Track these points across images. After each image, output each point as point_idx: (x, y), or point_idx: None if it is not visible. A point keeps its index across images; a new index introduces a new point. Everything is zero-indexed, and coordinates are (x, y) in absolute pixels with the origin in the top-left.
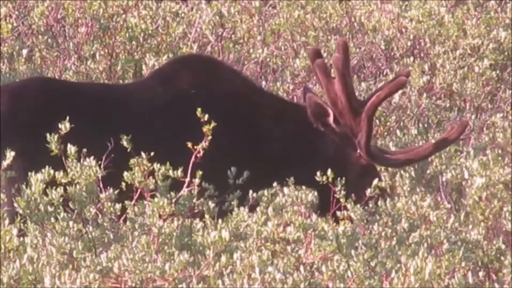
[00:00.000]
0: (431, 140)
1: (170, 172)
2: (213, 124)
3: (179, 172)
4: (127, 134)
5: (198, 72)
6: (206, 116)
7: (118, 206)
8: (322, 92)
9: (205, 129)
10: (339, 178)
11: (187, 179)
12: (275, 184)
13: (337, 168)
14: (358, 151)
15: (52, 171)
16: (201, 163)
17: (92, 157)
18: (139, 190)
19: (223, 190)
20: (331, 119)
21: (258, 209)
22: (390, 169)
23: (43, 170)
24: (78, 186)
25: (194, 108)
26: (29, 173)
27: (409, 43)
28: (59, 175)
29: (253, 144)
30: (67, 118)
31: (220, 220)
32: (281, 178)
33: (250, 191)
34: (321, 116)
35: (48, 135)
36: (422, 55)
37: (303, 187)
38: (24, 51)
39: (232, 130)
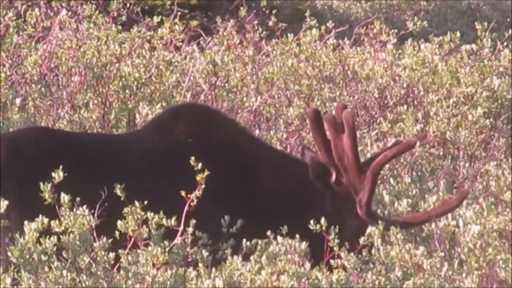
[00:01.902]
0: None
1: (164, 221)
2: (206, 172)
3: (172, 221)
4: (124, 183)
5: (195, 121)
6: (200, 165)
7: (111, 255)
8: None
9: (198, 177)
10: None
11: (181, 228)
12: (268, 233)
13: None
14: (358, 209)
15: (46, 220)
16: (196, 211)
17: (85, 206)
18: (132, 239)
19: (218, 239)
20: (333, 179)
21: (251, 257)
22: None
23: (37, 219)
24: (71, 235)
25: (191, 158)
26: (24, 222)
27: (402, 91)
28: (53, 224)
29: (249, 195)
30: (61, 167)
31: (213, 269)
32: (275, 228)
33: (244, 240)
34: (323, 177)
35: (42, 184)
36: (415, 103)
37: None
38: (18, 100)
39: (228, 180)
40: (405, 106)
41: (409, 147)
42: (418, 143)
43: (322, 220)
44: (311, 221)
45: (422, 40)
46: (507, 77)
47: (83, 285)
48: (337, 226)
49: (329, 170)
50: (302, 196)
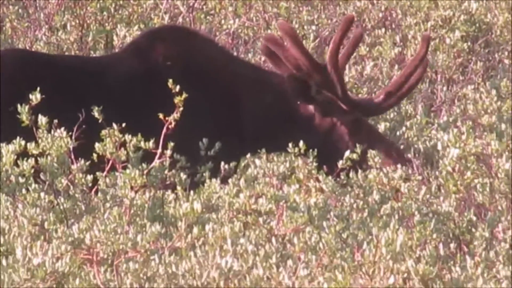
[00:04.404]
0: (405, 69)
1: (142, 144)
2: (184, 95)
3: (150, 144)
4: (102, 106)
5: (174, 43)
6: (178, 87)
7: (89, 177)
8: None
9: (176, 100)
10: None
11: (159, 151)
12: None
13: (326, 132)
14: (340, 103)
15: (23, 142)
16: (176, 134)
17: (63, 128)
18: (110, 162)
19: (198, 161)
20: (313, 91)
21: (230, 180)
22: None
23: (14, 141)
24: (49, 157)
25: (170, 80)
26: (1, 145)
27: (380, 15)
28: (30, 146)
29: (232, 114)
30: (38, 89)
31: (192, 192)
32: (263, 146)
33: (222, 163)
34: (303, 91)
35: (19, 106)
36: (393, 26)
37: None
38: None
39: (210, 100)
40: (383, 29)
41: (349, 23)
42: (354, 16)
43: (301, 143)
44: (289, 144)
45: None
46: (484, 0)
47: (61, 207)
48: (330, 131)
49: (307, 82)
50: (286, 108)
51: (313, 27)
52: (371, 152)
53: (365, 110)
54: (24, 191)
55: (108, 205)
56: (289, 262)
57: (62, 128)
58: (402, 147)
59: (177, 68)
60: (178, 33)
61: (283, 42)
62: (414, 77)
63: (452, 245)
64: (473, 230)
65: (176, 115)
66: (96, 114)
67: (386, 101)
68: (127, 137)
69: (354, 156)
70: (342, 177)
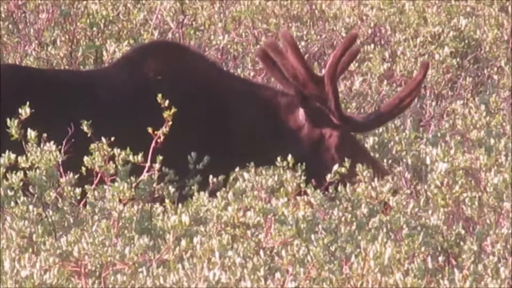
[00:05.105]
0: (399, 92)
1: (131, 157)
2: (173, 110)
3: (139, 157)
4: (92, 120)
5: (165, 58)
6: (167, 102)
7: (78, 190)
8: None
9: (165, 114)
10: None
11: (148, 164)
12: (237, 169)
13: (313, 144)
14: (331, 117)
15: (12, 156)
16: (165, 148)
17: (52, 142)
18: (99, 175)
19: (187, 174)
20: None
21: (218, 193)
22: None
23: (3, 155)
24: (38, 171)
25: (160, 94)
26: None
27: (370, 31)
28: (20, 159)
29: (221, 130)
30: (28, 103)
31: (180, 205)
32: (251, 159)
33: (211, 176)
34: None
35: (8, 120)
36: (382, 42)
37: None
38: None
39: (200, 114)
40: (372, 45)
41: (352, 40)
42: (357, 33)
43: (289, 157)
44: (278, 158)
45: None
46: (473, 17)
47: (49, 220)
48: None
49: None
50: (275, 121)
51: (302, 43)
52: (360, 166)
53: (354, 126)
54: (12, 204)
55: (96, 217)
56: (277, 274)
57: (51, 142)
58: (386, 165)
59: (168, 82)
60: (169, 48)
61: (283, 50)
62: (407, 100)
63: (440, 259)
64: (462, 243)
65: (165, 129)
66: (85, 128)
67: (377, 120)
68: (116, 150)
69: (343, 169)
70: (331, 190)
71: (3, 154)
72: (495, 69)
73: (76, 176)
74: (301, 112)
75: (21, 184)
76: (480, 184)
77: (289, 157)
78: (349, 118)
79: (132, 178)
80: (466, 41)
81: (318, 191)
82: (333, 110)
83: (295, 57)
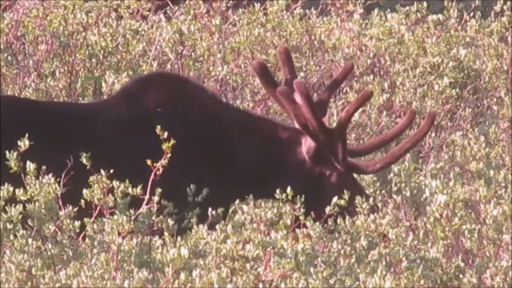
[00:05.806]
0: (404, 141)
1: (130, 190)
2: (172, 141)
3: (138, 190)
4: (91, 152)
5: (165, 90)
6: (166, 134)
7: (77, 223)
8: (282, 111)
9: (164, 146)
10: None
11: (147, 197)
12: (237, 202)
13: (313, 179)
14: (337, 166)
15: (11, 188)
16: (164, 180)
17: (51, 175)
18: (98, 207)
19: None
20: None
21: (217, 226)
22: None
23: (2, 187)
24: (37, 203)
25: (160, 127)
26: None
27: (369, 61)
28: (19, 192)
29: (222, 160)
30: (27, 135)
31: (179, 238)
32: (251, 192)
33: (210, 209)
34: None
35: (7, 152)
36: (382, 73)
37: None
38: None
39: (200, 146)
40: (372, 76)
41: (368, 97)
42: (373, 91)
43: (288, 189)
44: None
45: (389, 10)
46: (473, 47)
47: (48, 253)
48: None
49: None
50: (275, 155)
51: (301, 74)
52: (359, 199)
53: (357, 171)
54: (11, 237)
55: (95, 251)
56: None
57: (50, 175)
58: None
59: (168, 114)
60: (168, 79)
61: (295, 99)
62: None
63: None
64: (461, 276)
65: (164, 161)
66: (84, 161)
67: (382, 169)
68: (115, 183)
69: (342, 202)
70: (330, 223)
71: (2, 187)
72: (495, 99)
73: (75, 209)
74: (303, 149)
75: (20, 217)
76: (480, 216)
77: (288, 189)
78: (354, 167)
79: (131, 210)
80: (466, 72)
81: (317, 223)
82: (340, 161)
83: (307, 108)
